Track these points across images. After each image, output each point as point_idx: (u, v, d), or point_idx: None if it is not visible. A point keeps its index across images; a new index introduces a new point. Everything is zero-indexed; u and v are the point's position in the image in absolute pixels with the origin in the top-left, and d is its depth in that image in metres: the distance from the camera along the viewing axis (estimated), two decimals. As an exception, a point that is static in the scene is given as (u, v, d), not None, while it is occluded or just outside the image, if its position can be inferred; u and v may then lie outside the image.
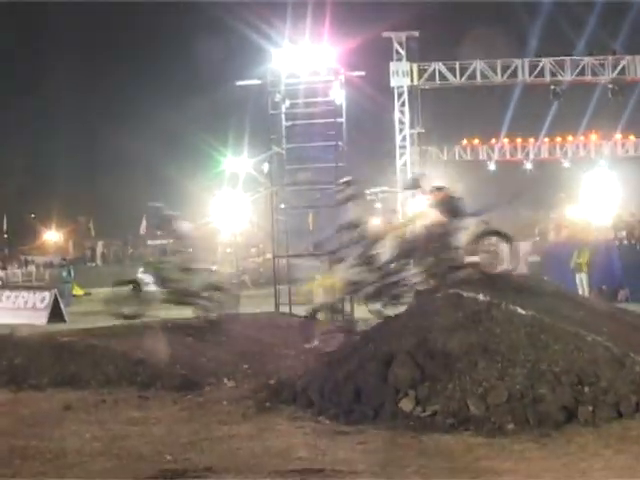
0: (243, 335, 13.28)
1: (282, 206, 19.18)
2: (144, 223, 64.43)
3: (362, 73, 22.10)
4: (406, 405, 8.03)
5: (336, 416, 8.17)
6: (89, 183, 71.28)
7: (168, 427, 8.18)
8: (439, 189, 11.31)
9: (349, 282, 11.99)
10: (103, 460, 6.90)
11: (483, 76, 33.12)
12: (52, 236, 64.98)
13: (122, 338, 12.17)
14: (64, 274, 31.40)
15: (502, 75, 33.17)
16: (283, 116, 18.96)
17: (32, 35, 63.94)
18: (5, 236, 64.91)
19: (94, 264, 54.25)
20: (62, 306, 21.44)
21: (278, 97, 18.92)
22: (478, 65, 32.97)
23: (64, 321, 20.39)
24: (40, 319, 20.11)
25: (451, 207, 10.92)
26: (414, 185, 12.78)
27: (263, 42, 20.39)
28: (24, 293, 21.96)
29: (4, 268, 46.64)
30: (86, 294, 34.15)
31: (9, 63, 63.01)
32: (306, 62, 19.30)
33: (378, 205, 24.36)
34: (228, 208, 34.99)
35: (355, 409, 8.18)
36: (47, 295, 21.29)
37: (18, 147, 72.12)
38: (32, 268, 50.91)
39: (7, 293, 22.10)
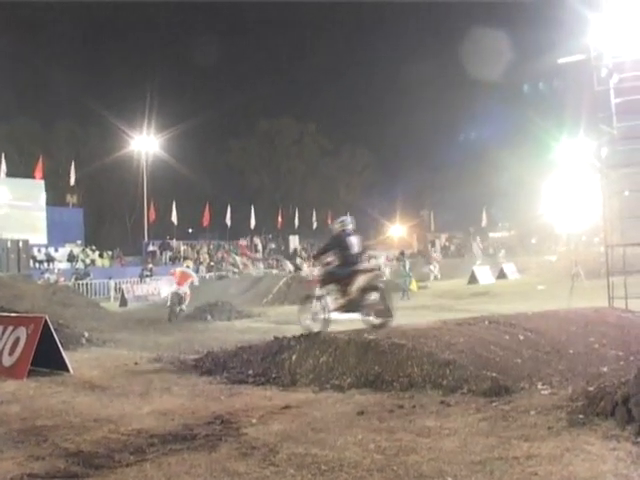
0: (565, 332, 11.91)
1: (626, 193, 17.45)
2: (484, 215, 64.08)
3: None
4: None
5: (656, 437, 6.65)
6: (432, 177, 72.98)
7: (462, 440, 7.28)
8: None
9: None
10: (378, 477, 6.25)
11: None
12: (396, 230, 67.13)
13: (433, 337, 11.51)
14: (402, 268, 32.00)
15: None
16: (612, 92, 17.22)
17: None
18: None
19: (434, 257, 55.03)
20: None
21: (604, 72, 17.22)
22: None
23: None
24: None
25: None
26: None
27: (581, 8, 18.32)
28: (353, 289, 22.21)
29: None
30: (421, 288, 34.37)
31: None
32: (633, 29, 17.13)
33: None
34: (561, 196, 32.85)
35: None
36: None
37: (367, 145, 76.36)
38: (374, 262, 52.93)
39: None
